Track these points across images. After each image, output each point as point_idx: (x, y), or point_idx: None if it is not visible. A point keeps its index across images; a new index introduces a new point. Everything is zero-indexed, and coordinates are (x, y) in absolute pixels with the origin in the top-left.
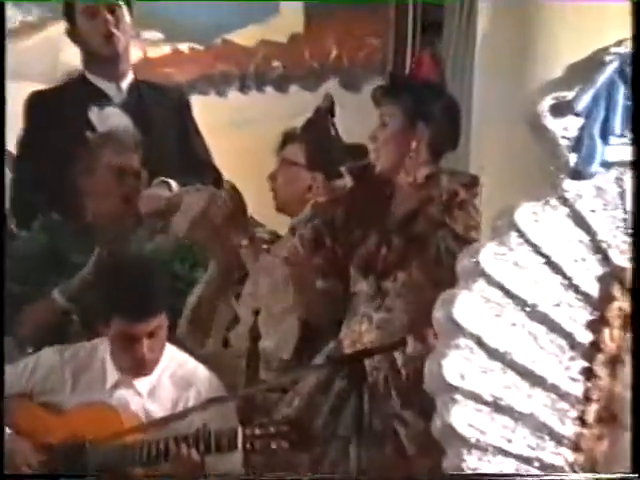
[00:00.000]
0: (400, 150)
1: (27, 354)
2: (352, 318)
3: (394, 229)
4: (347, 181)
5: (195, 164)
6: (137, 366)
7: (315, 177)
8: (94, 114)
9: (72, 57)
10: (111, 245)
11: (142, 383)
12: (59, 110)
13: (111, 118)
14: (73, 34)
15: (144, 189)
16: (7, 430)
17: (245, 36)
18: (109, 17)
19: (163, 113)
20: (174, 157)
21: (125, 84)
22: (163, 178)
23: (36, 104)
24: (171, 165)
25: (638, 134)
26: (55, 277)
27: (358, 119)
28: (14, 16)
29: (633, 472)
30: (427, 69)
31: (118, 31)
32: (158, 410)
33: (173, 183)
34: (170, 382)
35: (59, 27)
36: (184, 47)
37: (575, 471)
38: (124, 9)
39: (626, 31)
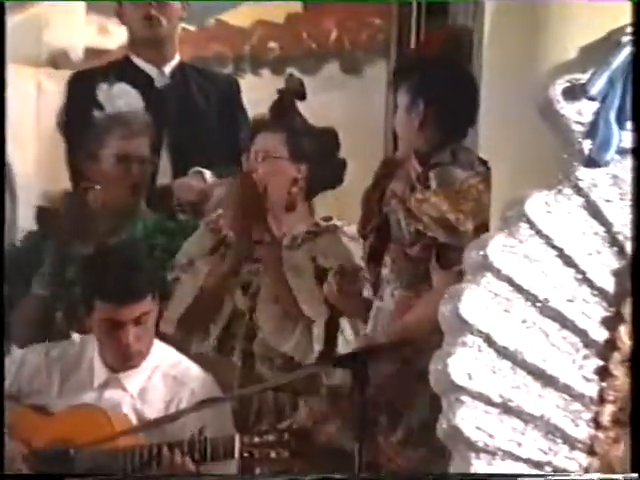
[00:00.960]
0: (408, 129)
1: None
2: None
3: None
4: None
5: (238, 154)
6: (123, 357)
7: (300, 169)
8: (102, 92)
9: (56, 36)
10: (112, 233)
11: (132, 383)
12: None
13: (120, 98)
14: (120, 14)
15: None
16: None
17: (240, 16)
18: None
19: (209, 99)
20: (216, 145)
21: (169, 68)
22: (198, 168)
23: (77, 84)
24: (212, 153)
25: (638, 133)
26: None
27: (359, 103)
28: None
29: (633, 472)
30: (437, 46)
31: (161, 14)
32: (150, 411)
33: (208, 173)
34: (162, 382)
35: (47, 4)
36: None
37: (590, 478)
38: None
39: None
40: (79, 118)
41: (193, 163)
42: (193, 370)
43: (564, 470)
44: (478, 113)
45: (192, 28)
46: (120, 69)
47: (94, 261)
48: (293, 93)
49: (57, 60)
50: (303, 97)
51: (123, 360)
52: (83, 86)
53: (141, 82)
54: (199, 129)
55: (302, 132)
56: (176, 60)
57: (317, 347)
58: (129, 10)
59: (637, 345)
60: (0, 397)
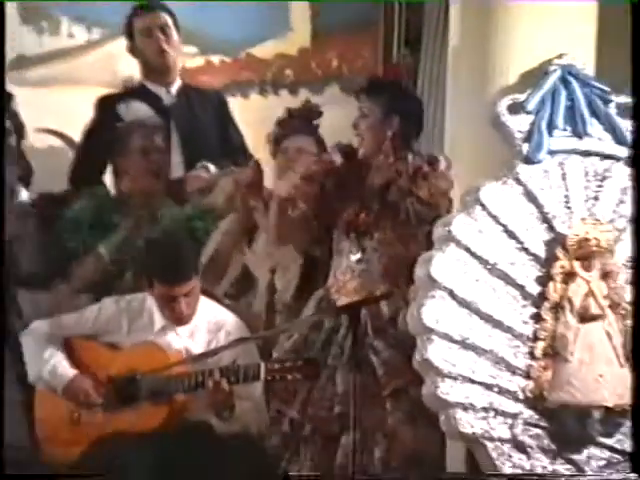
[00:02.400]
0: (379, 137)
1: (83, 301)
2: (337, 270)
3: (371, 197)
4: (336, 157)
5: (231, 150)
6: (177, 319)
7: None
8: (122, 108)
9: (127, 68)
10: (143, 211)
11: (183, 328)
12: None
13: (136, 110)
14: (132, 50)
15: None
16: (71, 372)
17: (264, 50)
18: (161, 36)
19: (205, 110)
20: (214, 145)
21: (174, 89)
22: (204, 162)
23: (103, 104)
24: (211, 151)
25: (638, 133)
26: (100, 236)
27: (354, 115)
28: (80, 35)
29: (633, 472)
30: (398, 74)
31: (169, 47)
32: (195, 348)
33: (212, 166)
34: (205, 326)
35: (116, 44)
36: (215, 59)
37: (526, 396)
38: (173, 29)
39: (569, 43)
40: (105, 128)
41: (198, 159)
42: (228, 317)
43: (507, 390)
44: (423, 125)
45: (228, 59)
46: (136, 92)
47: (151, 248)
48: (314, 112)
49: (127, 84)
50: (320, 116)
51: (177, 321)
52: (107, 104)
53: (153, 101)
54: (200, 132)
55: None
56: (179, 82)
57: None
58: (142, 44)
59: (636, 343)
60: (0, 397)
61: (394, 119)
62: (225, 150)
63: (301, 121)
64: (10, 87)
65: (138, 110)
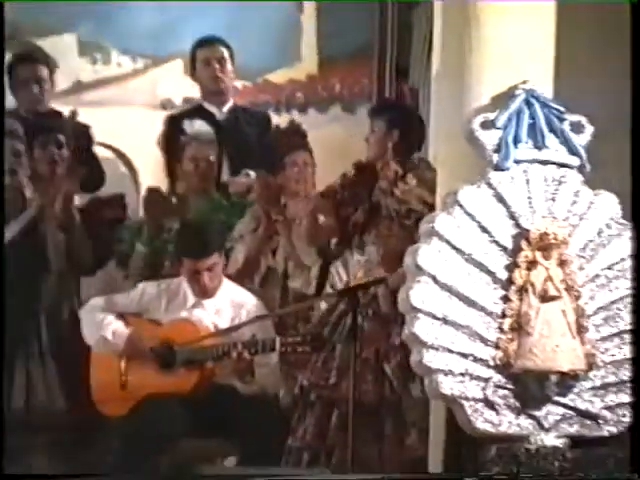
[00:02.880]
0: (382, 148)
1: (130, 285)
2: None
3: (367, 200)
4: (350, 171)
5: (271, 162)
6: (202, 292)
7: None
8: (187, 124)
9: (164, 91)
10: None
11: (210, 306)
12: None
13: (197, 126)
14: (194, 75)
15: (227, 175)
16: (128, 330)
17: (278, 76)
18: (217, 66)
19: (251, 126)
20: (257, 155)
21: (226, 108)
22: (246, 170)
23: (170, 122)
24: (254, 160)
25: (637, 133)
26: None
27: (353, 131)
28: (127, 64)
29: (633, 472)
30: (402, 97)
31: (223, 75)
32: (222, 323)
33: (252, 173)
34: (229, 305)
35: (156, 71)
36: (239, 84)
37: (496, 363)
38: (228, 61)
39: (532, 72)
40: (171, 140)
41: (244, 166)
42: (249, 297)
43: (481, 358)
44: (425, 138)
45: (249, 84)
46: (195, 111)
47: (182, 230)
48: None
49: (165, 104)
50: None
51: (202, 294)
52: (174, 121)
53: (209, 118)
54: (246, 145)
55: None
56: (231, 102)
57: (312, 284)
58: (202, 72)
59: (636, 344)
60: (0, 397)
61: (394, 133)
62: (265, 159)
63: (295, 138)
64: (68, 107)
65: (200, 126)
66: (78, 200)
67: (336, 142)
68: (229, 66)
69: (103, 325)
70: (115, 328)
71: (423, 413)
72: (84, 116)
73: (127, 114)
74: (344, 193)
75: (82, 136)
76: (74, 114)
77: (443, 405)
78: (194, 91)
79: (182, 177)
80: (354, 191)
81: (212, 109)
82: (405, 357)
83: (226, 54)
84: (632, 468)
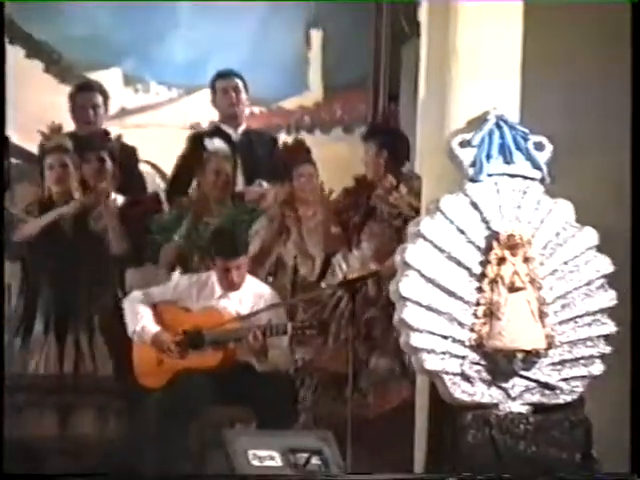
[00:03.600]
0: (377, 165)
1: (165, 277)
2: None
3: (364, 206)
4: (350, 185)
5: (279, 174)
6: (230, 286)
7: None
8: (208, 142)
9: (194, 116)
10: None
11: (235, 297)
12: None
13: (217, 144)
14: (214, 102)
15: (242, 185)
16: (154, 329)
17: (289, 103)
18: (233, 94)
19: (260, 145)
20: (266, 169)
21: (240, 130)
22: (260, 180)
23: (193, 140)
24: (265, 173)
25: (637, 134)
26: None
27: (352, 149)
28: (163, 93)
29: (633, 472)
30: (390, 121)
31: (237, 102)
32: (243, 310)
33: (265, 183)
34: (250, 295)
35: (188, 99)
36: (256, 110)
37: (471, 343)
38: (242, 90)
39: (501, 99)
40: (194, 156)
41: (256, 177)
42: (266, 289)
43: (459, 340)
44: (410, 152)
45: (264, 110)
46: (213, 131)
47: (215, 234)
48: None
49: (194, 126)
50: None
51: (230, 288)
52: (196, 139)
53: (225, 138)
54: (257, 160)
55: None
56: (244, 125)
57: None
58: (219, 100)
59: (635, 346)
60: (0, 397)
61: (384, 152)
62: (273, 172)
63: (300, 153)
64: (115, 129)
65: (219, 144)
66: (121, 201)
67: (338, 158)
68: (243, 95)
69: (137, 319)
70: (145, 324)
71: None
72: (128, 137)
73: (164, 136)
74: (345, 202)
75: (129, 155)
76: (119, 137)
77: (427, 380)
78: (216, 116)
79: (204, 187)
80: (354, 200)
81: (229, 130)
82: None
83: (240, 85)
84: (632, 468)
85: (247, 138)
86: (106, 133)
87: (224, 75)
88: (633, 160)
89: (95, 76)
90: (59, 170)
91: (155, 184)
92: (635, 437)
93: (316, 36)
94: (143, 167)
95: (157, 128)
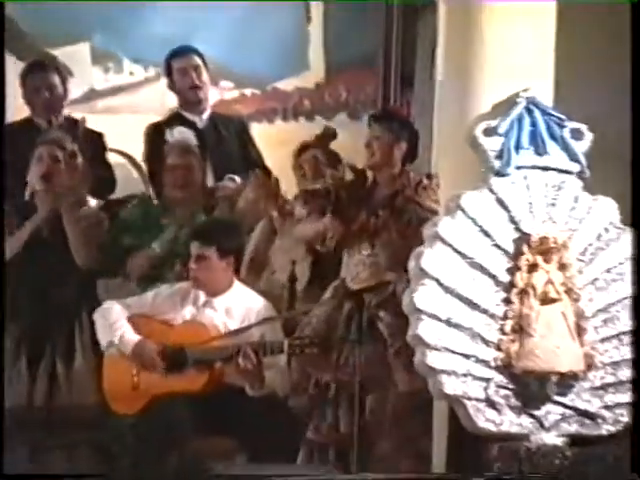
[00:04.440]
0: (387, 156)
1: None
2: (350, 263)
3: (380, 205)
4: (346, 173)
5: (251, 165)
6: (195, 281)
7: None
8: (168, 133)
9: (174, 100)
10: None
11: (221, 306)
12: (163, 134)
13: (179, 134)
14: (171, 86)
15: (215, 182)
16: (135, 338)
17: (286, 84)
18: (193, 74)
19: (229, 133)
20: (237, 161)
21: (205, 116)
22: (231, 175)
23: (152, 131)
24: (236, 167)
25: (637, 133)
26: (152, 234)
27: (357, 137)
28: (139, 73)
29: (633, 472)
30: (405, 110)
31: (200, 83)
32: (232, 325)
33: (237, 178)
34: (240, 307)
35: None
36: (247, 92)
37: (497, 364)
38: (204, 69)
39: (534, 79)
40: (153, 148)
41: (225, 172)
42: (258, 299)
43: (483, 360)
44: (418, 147)
45: (257, 92)
46: (174, 119)
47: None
48: (331, 135)
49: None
50: (335, 138)
51: (195, 282)
52: (157, 131)
53: (189, 126)
54: (225, 151)
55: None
56: (209, 111)
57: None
58: (179, 82)
59: (636, 345)
60: (0, 398)
61: (402, 144)
62: (245, 164)
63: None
64: (80, 114)
65: (181, 133)
66: (94, 202)
67: (342, 148)
68: (205, 75)
69: (113, 329)
70: (123, 333)
71: None
72: (97, 123)
73: (138, 121)
74: (341, 195)
75: (95, 143)
76: (84, 121)
77: (446, 405)
78: (175, 101)
79: (167, 184)
80: (355, 194)
81: (192, 117)
82: None
83: (200, 63)
84: (632, 468)
85: (213, 125)
86: (70, 120)
87: (181, 53)
88: (633, 160)
89: (59, 53)
90: None
91: (130, 178)
92: (635, 437)
93: (317, 7)
94: (114, 158)
95: (131, 114)
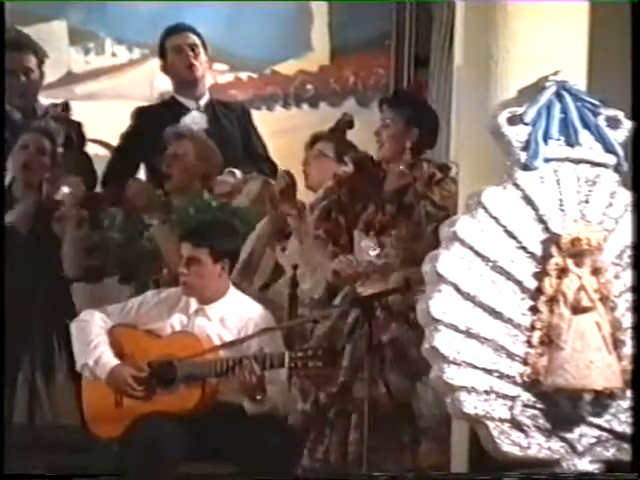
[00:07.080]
0: (398, 145)
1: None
2: (359, 265)
3: (388, 200)
4: (350, 167)
5: (254, 158)
6: (184, 284)
7: (340, 166)
8: (164, 119)
9: (163, 84)
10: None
11: (215, 314)
12: (156, 120)
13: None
14: (165, 68)
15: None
16: (113, 362)
17: (287, 67)
18: (190, 53)
19: (230, 121)
20: (239, 153)
21: (203, 102)
22: (230, 168)
23: (139, 115)
24: (236, 159)
25: (637, 134)
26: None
27: (368, 126)
28: (122, 54)
29: (633, 472)
30: (421, 91)
31: (197, 62)
32: (227, 336)
33: (238, 172)
34: (235, 315)
35: (154, 62)
36: (244, 76)
37: (524, 380)
38: (201, 48)
39: (564, 61)
40: (141, 135)
41: (225, 165)
42: (256, 308)
43: (507, 375)
44: (438, 135)
45: (255, 76)
46: (169, 104)
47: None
48: (347, 122)
49: (162, 97)
50: (351, 127)
51: (184, 285)
52: (144, 116)
53: (184, 113)
54: (225, 141)
55: (346, 145)
56: (207, 96)
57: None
58: (174, 61)
59: (636, 345)
60: (0, 399)
61: (414, 131)
62: (248, 157)
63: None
64: (58, 101)
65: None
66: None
67: (350, 138)
68: (203, 56)
69: (90, 348)
70: (99, 357)
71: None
72: (75, 110)
73: (122, 108)
74: (345, 191)
75: (73, 134)
76: (66, 107)
77: (466, 426)
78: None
79: (165, 174)
80: (357, 187)
81: (188, 103)
82: None
83: (197, 41)
84: (632, 468)
85: (212, 112)
86: (45, 108)
87: (176, 30)
88: (633, 160)
89: (32, 31)
90: None
91: None
92: (635, 437)
93: None
94: (96, 149)
95: (114, 100)
